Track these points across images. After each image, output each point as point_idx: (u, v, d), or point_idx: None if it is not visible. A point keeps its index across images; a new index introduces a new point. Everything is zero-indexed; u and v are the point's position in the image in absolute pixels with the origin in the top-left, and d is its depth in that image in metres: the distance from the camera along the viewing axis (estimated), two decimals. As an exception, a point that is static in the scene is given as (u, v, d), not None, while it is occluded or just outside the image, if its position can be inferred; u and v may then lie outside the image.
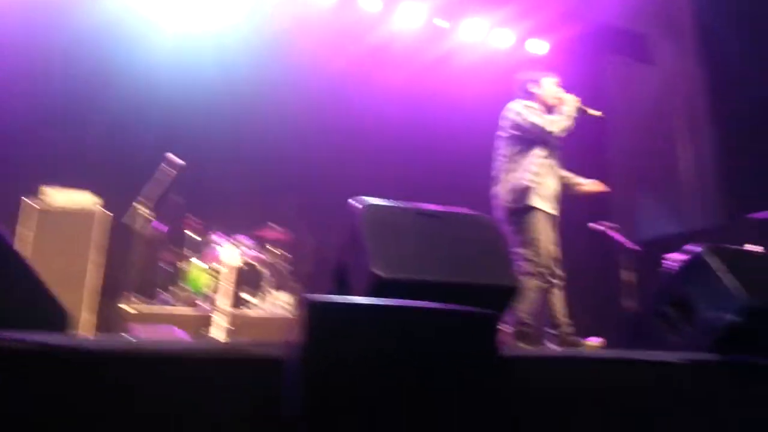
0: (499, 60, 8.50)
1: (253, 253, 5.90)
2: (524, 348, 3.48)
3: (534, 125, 4.30)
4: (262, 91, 6.99)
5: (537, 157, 4.30)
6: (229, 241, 5.76)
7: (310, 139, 7.09)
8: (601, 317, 5.74)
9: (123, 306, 4.78)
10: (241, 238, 5.92)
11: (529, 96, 4.49)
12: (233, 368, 1.77)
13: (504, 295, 2.38)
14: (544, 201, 4.22)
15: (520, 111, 4.38)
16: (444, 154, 7.61)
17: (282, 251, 6.34)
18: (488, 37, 8.57)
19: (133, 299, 5.06)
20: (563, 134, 4.28)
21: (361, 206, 2.19)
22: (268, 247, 6.21)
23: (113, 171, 5.92)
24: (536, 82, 4.51)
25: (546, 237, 4.16)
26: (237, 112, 6.83)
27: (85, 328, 4.67)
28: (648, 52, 8.81)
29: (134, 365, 1.66)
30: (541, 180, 4.25)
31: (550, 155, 4.35)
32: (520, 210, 4.20)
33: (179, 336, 4.33)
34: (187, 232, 5.99)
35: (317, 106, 7.21)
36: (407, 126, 7.54)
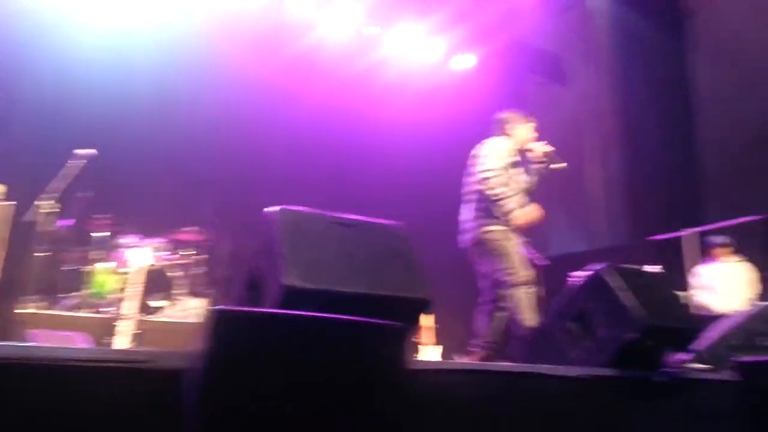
0: (426, 74, 8.66)
1: (165, 255, 5.72)
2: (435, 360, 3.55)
3: (479, 174, 4.49)
4: (184, 90, 6.83)
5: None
6: (139, 243, 5.56)
7: (230, 143, 6.98)
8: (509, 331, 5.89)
9: (21, 309, 4.51)
10: (153, 240, 5.74)
11: (504, 135, 4.66)
12: (132, 378, 1.71)
13: (416, 307, 2.39)
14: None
15: (484, 150, 4.57)
16: (364, 165, 7.67)
17: (197, 254, 6.18)
18: (415, 50, 8.68)
19: (33, 302, 4.79)
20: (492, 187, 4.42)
21: (275, 211, 2.16)
22: (181, 250, 6.04)
23: (19, 164, 5.63)
24: (513, 127, 4.67)
25: (515, 249, 4.37)
26: (156, 112, 6.64)
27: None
28: (563, 73, 9.18)
29: (27, 372, 1.58)
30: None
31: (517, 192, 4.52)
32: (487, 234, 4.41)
33: (82, 343, 4.13)
34: (94, 233, 5.75)
35: (239, 110, 7.11)
36: (329, 136, 7.55)
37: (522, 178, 4.61)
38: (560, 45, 9.63)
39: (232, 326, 1.44)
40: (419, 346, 6.17)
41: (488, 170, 4.42)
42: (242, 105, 7.11)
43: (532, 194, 4.71)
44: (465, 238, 4.56)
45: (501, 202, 4.37)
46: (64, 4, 6.62)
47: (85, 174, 5.19)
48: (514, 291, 4.24)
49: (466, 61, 9.07)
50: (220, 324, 1.43)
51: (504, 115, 4.78)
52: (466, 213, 4.58)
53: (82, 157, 5.00)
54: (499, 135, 4.69)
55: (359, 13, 8.13)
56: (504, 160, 4.48)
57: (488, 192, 4.41)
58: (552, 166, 4.62)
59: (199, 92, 6.87)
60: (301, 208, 2.24)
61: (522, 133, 4.68)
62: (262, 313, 1.64)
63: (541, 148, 4.65)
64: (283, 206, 2.20)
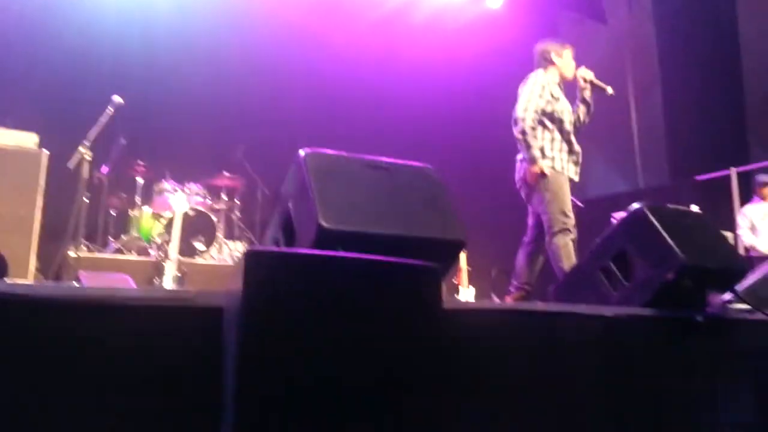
0: (457, 12, 8.45)
1: (205, 200, 5.82)
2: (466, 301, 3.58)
3: (519, 106, 4.40)
4: (218, 39, 6.84)
5: (548, 132, 4.41)
6: (180, 188, 5.66)
7: (260, 88, 6.98)
8: (546, 271, 5.89)
9: (71, 253, 4.66)
10: (193, 185, 5.83)
11: (548, 65, 4.56)
12: (175, 316, 1.77)
13: (451, 248, 2.39)
14: (564, 166, 4.40)
15: (527, 85, 4.46)
16: (399, 109, 7.60)
17: (235, 199, 6.28)
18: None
19: (81, 246, 4.95)
20: (523, 131, 4.33)
21: (306, 155, 2.15)
22: (218, 195, 6.13)
23: (58, 114, 5.73)
24: (558, 52, 4.57)
25: (557, 193, 4.31)
26: (191, 60, 6.67)
27: (33, 275, 4.56)
28: (601, 10, 8.86)
29: (74, 312, 1.64)
30: (553, 155, 4.38)
31: (560, 134, 4.43)
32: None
33: (130, 285, 4.26)
34: (137, 178, 5.88)
35: (268, 53, 7.09)
36: (359, 77, 7.48)
37: (566, 110, 4.48)
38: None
39: (268, 267, 1.45)
40: (459, 288, 6.23)
41: (519, 112, 4.35)
42: (271, 49, 7.07)
43: (582, 124, 4.61)
44: (516, 177, 4.52)
45: (526, 147, 4.31)
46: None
47: (119, 122, 5.25)
48: (552, 237, 4.22)
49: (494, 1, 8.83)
50: (256, 265, 1.44)
51: (541, 45, 4.68)
52: (521, 151, 4.51)
53: (115, 102, 5.05)
54: (540, 67, 4.58)
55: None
56: (540, 99, 4.36)
57: (517, 135, 4.35)
58: (602, 87, 4.50)
59: (228, 37, 6.86)
60: (331, 150, 2.23)
61: (563, 61, 4.57)
62: (297, 253, 1.65)
63: (583, 72, 4.55)
64: (313, 149, 2.18)
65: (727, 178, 7.87)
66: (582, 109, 4.57)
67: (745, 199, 7.35)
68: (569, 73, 4.55)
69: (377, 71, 7.59)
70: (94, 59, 6.23)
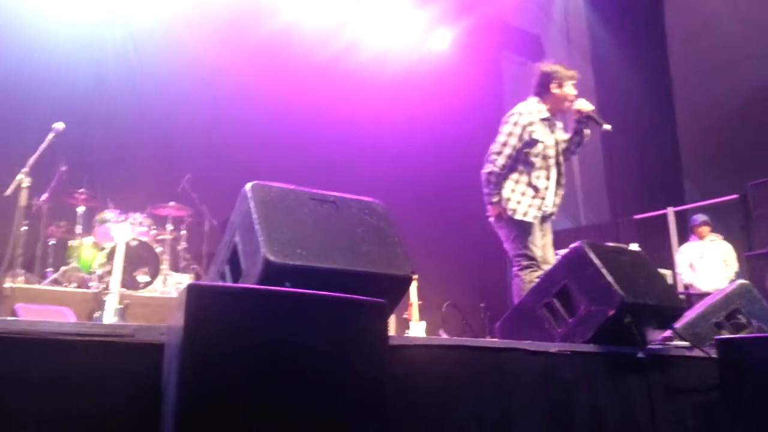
0: (401, 55, 8.61)
1: (149, 231, 5.70)
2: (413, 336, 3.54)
3: (493, 147, 4.23)
4: (166, 67, 6.79)
5: (516, 174, 4.21)
6: (123, 218, 5.53)
7: (211, 117, 6.94)
8: (498, 309, 5.96)
9: (8, 284, 4.48)
10: (137, 215, 5.71)
11: (546, 94, 4.30)
12: (114, 352, 1.73)
13: (398, 283, 2.39)
14: (533, 211, 4.20)
15: (506, 124, 4.24)
16: (348, 144, 7.67)
17: (181, 230, 6.17)
18: (389, 30, 8.61)
19: (18, 276, 4.75)
20: (490, 171, 4.18)
21: (253, 187, 2.14)
22: (162, 225, 6.02)
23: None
24: (560, 84, 4.29)
25: (532, 236, 4.16)
26: (138, 87, 6.60)
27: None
28: (541, 52, 9.16)
29: (6, 346, 1.58)
30: (530, 195, 4.20)
31: (542, 169, 4.24)
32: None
33: (67, 317, 4.11)
34: (78, 208, 5.71)
35: (221, 87, 7.08)
36: (310, 116, 7.53)
37: (549, 147, 4.25)
38: (539, 25, 9.63)
39: (210, 302, 1.43)
40: (409, 323, 6.22)
41: (493, 154, 4.18)
42: (220, 79, 7.06)
43: (571, 154, 4.43)
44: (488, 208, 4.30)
45: (487, 187, 4.19)
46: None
47: (58, 150, 5.13)
48: (518, 270, 4.13)
49: (443, 40, 9.04)
50: (198, 300, 1.42)
51: (546, 68, 4.35)
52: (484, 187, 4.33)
53: (55, 131, 4.94)
54: (536, 94, 4.33)
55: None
56: (518, 142, 4.16)
57: (483, 172, 4.21)
58: (599, 122, 4.21)
59: (177, 65, 6.81)
60: (275, 183, 2.22)
61: (562, 92, 4.29)
62: (239, 288, 1.63)
63: (581, 105, 4.26)
64: (258, 182, 2.17)
65: (664, 217, 8.15)
66: (575, 140, 4.37)
67: (682, 238, 7.61)
68: (566, 106, 4.29)
69: (326, 109, 7.64)
70: (37, 84, 6.08)
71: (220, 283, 1.70)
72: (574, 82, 4.36)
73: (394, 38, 8.64)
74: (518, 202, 4.17)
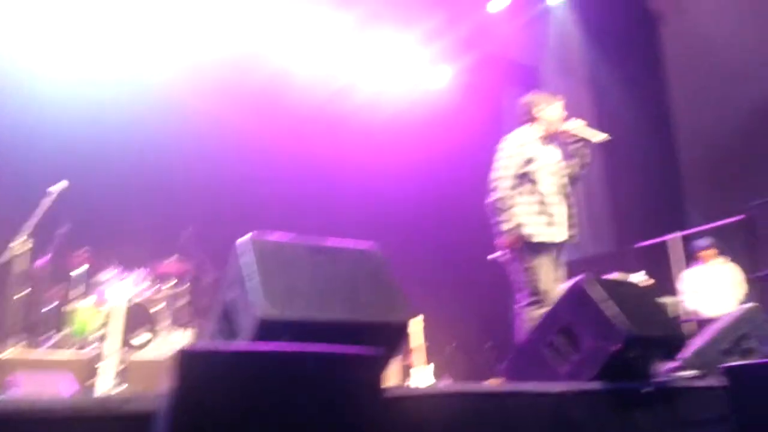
0: (400, 94, 8.67)
1: (147, 289, 5.66)
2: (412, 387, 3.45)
3: (492, 174, 4.20)
4: (166, 123, 6.86)
5: (526, 196, 4.16)
6: (118, 277, 5.50)
7: (211, 169, 6.98)
8: (505, 347, 5.88)
9: (2, 353, 4.42)
10: (136, 273, 5.69)
11: (532, 120, 4.32)
12: (102, 427, 1.69)
13: (396, 330, 2.36)
14: (545, 232, 4.12)
15: (500, 150, 4.24)
16: (348, 189, 7.68)
17: (179, 286, 6.13)
18: (388, 70, 8.68)
19: (14, 344, 4.71)
20: (496, 199, 4.12)
21: (246, 241, 2.13)
22: (163, 282, 5.98)
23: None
24: (542, 107, 4.32)
25: (545, 267, 4.08)
26: (137, 144, 6.65)
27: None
28: (540, 85, 9.23)
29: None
30: (538, 214, 4.13)
31: (546, 187, 4.18)
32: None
33: (66, 384, 4.06)
34: (73, 269, 5.69)
35: (218, 139, 7.12)
36: (306, 163, 7.57)
37: (549, 168, 4.23)
38: (535, 57, 9.73)
39: (198, 365, 1.40)
40: (410, 369, 6.13)
41: (494, 181, 4.14)
42: (215, 136, 7.12)
43: (577, 177, 4.37)
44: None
45: (497, 216, 4.11)
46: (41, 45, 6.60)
47: (59, 209, 5.15)
48: (524, 306, 4.04)
49: (441, 79, 9.10)
50: (186, 364, 1.39)
51: (527, 98, 4.42)
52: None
53: (54, 193, 4.96)
54: (525, 122, 4.34)
55: (325, 40, 8.10)
56: (514, 163, 4.15)
57: (489, 202, 4.14)
58: (594, 139, 4.19)
59: (176, 121, 6.88)
60: (270, 236, 2.21)
61: (551, 113, 4.30)
62: (229, 349, 1.60)
63: (575, 124, 4.27)
64: (253, 234, 2.16)
65: (668, 243, 8.10)
66: (575, 162, 4.34)
67: (688, 263, 7.55)
68: (555, 127, 4.29)
69: (324, 156, 7.68)
70: (35, 144, 6.15)
71: (209, 346, 1.67)
72: (561, 104, 4.38)
73: (391, 79, 8.71)
74: (535, 224, 4.09)
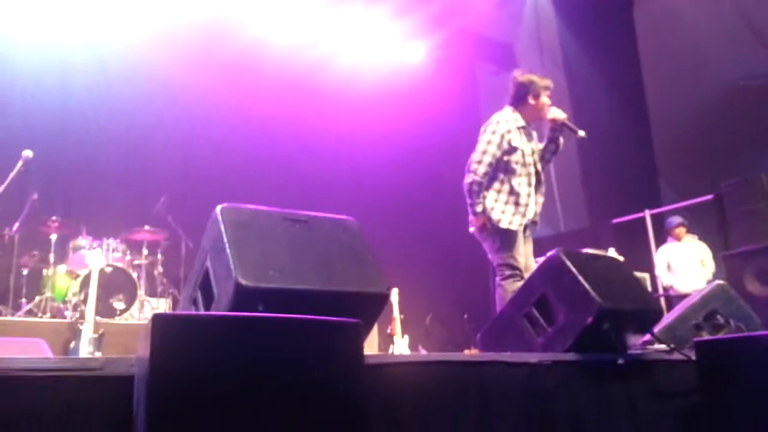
0: (375, 67, 8.62)
1: (124, 256, 5.62)
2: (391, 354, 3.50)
3: (473, 156, 4.23)
4: (138, 91, 6.73)
5: (498, 183, 4.22)
6: (97, 244, 5.45)
7: (186, 137, 6.90)
8: (482, 319, 5.94)
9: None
10: (112, 240, 5.63)
11: (522, 105, 4.33)
12: (84, 387, 1.69)
13: (374, 300, 2.37)
14: (517, 218, 4.19)
15: (485, 134, 4.25)
16: (324, 162, 7.65)
17: (158, 254, 6.09)
18: (363, 42, 8.62)
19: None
20: (472, 182, 4.16)
21: (223, 210, 2.11)
22: (137, 250, 5.94)
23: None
24: (536, 95, 4.31)
25: (516, 244, 4.15)
26: (108, 111, 6.53)
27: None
28: (514, 61, 9.24)
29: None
30: (512, 203, 4.20)
31: (522, 176, 4.24)
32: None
33: (44, 350, 4.02)
34: (51, 236, 5.62)
35: (193, 106, 7.02)
36: (285, 135, 7.52)
37: (526, 154, 4.26)
38: (509, 35, 9.72)
39: (173, 332, 1.39)
40: (393, 337, 6.18)
41: (473, 164, 4.18)
42: (190, 103, 7.01)
43: (547, 163, 4.44)
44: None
45: (469, 198, 4.18)
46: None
47: (27, 178, 5.06)
48: (501, 279, 4.12)
49: (417, 53, 9.06)
50: (163, 330, 1.38)
51: (521, 78, 4.38)
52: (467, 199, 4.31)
53: (24, 159, 4.88)
54: (511, 104, 4.35)
55: (302, 11, 8.02)
56: (497, 150, 4.17)
57: (465, 183, 4.20)
58: (574, 130, 4.24)
59: (148, 88, 6.76)
60: (246, 205, 2.19)
61: (538, 103, 4.32)
62: (205, 317, 1.59)
63: (555, 114, 4.29)
64: (229, 204, 2.14)
65: (642, 220, 8.22)
66: (550, 149, 4.41)
67: (660, 240, 7.67)
68: (542, 115, 4.33)
69: (300, 126, 7.63)
70: (4, 112, 6.00)
71: (186, 312, 1.66)
72: (549, 92, 4.40)
73: (367, 52, 8.65)
74: (502, 212, 4.18)
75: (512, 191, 4.20)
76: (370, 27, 8.50)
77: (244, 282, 1.92)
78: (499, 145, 4.18)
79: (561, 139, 4.44)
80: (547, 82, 4.42)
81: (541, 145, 4.43)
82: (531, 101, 4.32)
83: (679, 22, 8.67)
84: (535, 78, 4.41)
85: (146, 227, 6.01)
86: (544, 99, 4.36)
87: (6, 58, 6.24)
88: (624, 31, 9.30)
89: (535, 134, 4.47)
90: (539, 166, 4.37)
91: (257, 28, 7.67)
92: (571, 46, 9.23)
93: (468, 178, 4.20)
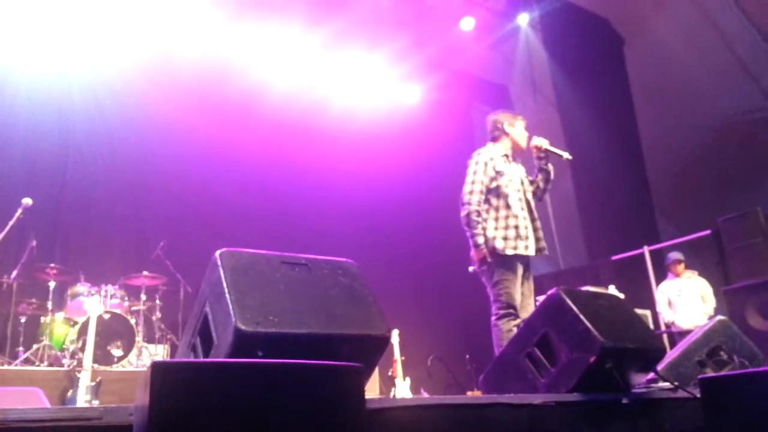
0: (371, 111, 8.72)
1: (122, 302, 5.59)
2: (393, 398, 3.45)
3: (464, 188, 4.28)
4: (135, 137, 6.79)
5: (494, 211, 4.24)
6: (95, 290, 5.43)
7: (184, 181, 6.92)
8: (484, 359, 5.88)
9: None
10: (110, 287, 5.61)
11: (501, 135, 4.43)
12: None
13: (375, 343, 2.35)
14: (513, 244, 4.18)
15: (470, 165, 4.33)
16: (322, 206, 7.67)
17: (156, 299, 6.06)
18: (359, 86, 8.73)
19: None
20: (468, 214, 4.20)
21: (222, 254, 2.10)
22: (136, 296, 5.91)
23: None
24: (510, 123, 4.45)
25: (514, 281, 4.13)
26: (106, 157, 6.57)
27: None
28: (509, 102, 9.36)
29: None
30: (507, 228, 4.20)
31: (514, 201, 4.27)
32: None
33: (41, 399, 3.97)
34: (49, 283, 5.60)
35: (192, 150, 7.07)
36: (283, 180, 7.56)
37: (516, 181, 4.33)
38: (503, 76, 9.88)
39: (173, 379, 1.38)
40: (395, 380, 6.11)
41: (464, 196, 4.23)
42: (189, 147, 7.06)
43: (543, 192, 4.48)
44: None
45: (469, 231, 4.20)
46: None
47: (26, 225, 5.07)
48: (496, 319, 4.10)
49: (412, 95, 9.19)
50: (163, 378, 1.37)
51: (493, 116, 4.56)
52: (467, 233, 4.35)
53: (23, 207, 4.90)
54: (491, 140, 4.48)
55: (300, 55, 8.14)
56: (484, 177, 4.25)
57: (462, 218, 4.22)
58: (559, 154, 4.31)
59: (146, 135, 6.82)
60: (246, 249, 2.19)
61: (516, 131, 4.45)
62: (205, 363, 1.58)
63: (537, 142, 4.40)
64: (228, 249, 2.14)
65: (642, 256, 8.21)
66: (540, 178, 4.45)
67: (660, 276, 7.65)
68: (522, 143, 4.44)
69: (298, 168, 7.67)
70: (3, 157, 6.04)
71: (185, 360, 1.65)
72: (523, 123, 4.52)
73: (364, 94, 8.77)
74: (504, 238, 4.17)
75: (509, 216, 4.22)
76: (367, 70, 8.63)
77: (243, 327, 1.90)
78: (485, 172, 4.26)
79: (550, 167, 4.48)
80: (520, 116, 4.57)
81: (530, 178, 4.49)
82: (508, 129, 4.44)
83: (670, 59, 8.80)
84: (504, 113, 4.58)
85: (144, 272, 5.99)
86: (520, 128, 4.48)
87: (5, 105, 6.29)
88: (616, 70, 9.44)
89: (522, 166, 4.53)
90: (529, 196, 4.41)
91: (255, 71, 7.78)
92: (565, 86, 9.36)
93: (464, 211, 4.23)
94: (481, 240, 4.16)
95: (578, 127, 8.99)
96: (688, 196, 8.77)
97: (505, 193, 4.25)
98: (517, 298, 4.14)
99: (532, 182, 4.47)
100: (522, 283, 4.24)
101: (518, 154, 4.50)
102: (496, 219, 4.22)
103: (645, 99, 9.25)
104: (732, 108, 8.35)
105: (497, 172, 4.28)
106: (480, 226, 4.18)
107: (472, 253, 4.23)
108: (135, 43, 7.04)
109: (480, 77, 9.87)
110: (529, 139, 4.46)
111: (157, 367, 1.38)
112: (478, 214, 4.19)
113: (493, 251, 4.15)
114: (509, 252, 4.15)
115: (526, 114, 4.63)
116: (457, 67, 9.16)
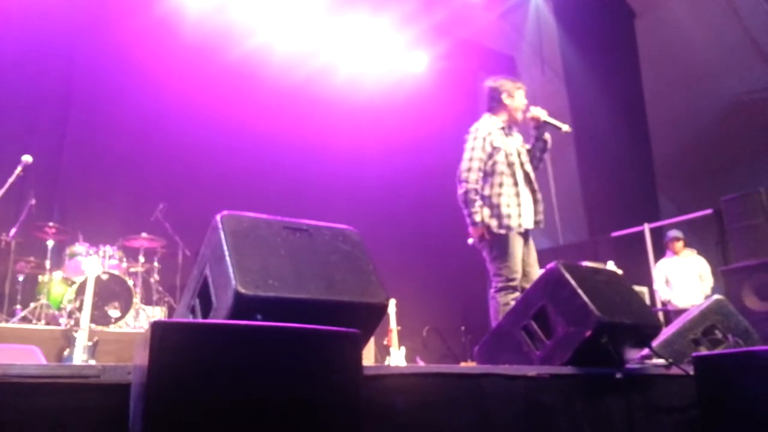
0: (378, 77, 8.63)
1: (120, 263, 5.59)
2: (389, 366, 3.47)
3: (461, 166, 4.22)
4: (138, 96, 6.72)
5: (494, 186, 4.20)
6: (94, 251, 5.43)
7: (186, 145, 6.88)
8: (479, 331, 5.93)
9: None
10: (108, 247, 5.61)
11: (499, 107, 4.35)
12: (79, 394, 1.68)
13: (373, 311, 2.35)
14: (512, 221, 4.15)
15: (468, 142, 4.26)
16: (326, 172, 7.64)
17: (154, 262, 6.07)
18: (366, 52, 8.62)
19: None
20: (465, 191, 4.15)
21: (223, 217, 2.09)
22: (134, 258, 5.91)
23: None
24: (510, 93, 4.35)
25: (514, 255, 4.11)
26: (106, 117, 6.52)
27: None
28: (515, 72, 9.26)
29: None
30: (505, 204, 4.17)
31: (510, 176, 4.22)
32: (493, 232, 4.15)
33: (38, 357, 4.00)
34: (48, 242, 5.60)
35: (194, 114, 7.01)
36: (286, 144, 7.50)
37: (514, 154, 4.27)
38: (512, 46, 9.76)
39: (172, 339, 1.38)
40: (390, 349, 6.15)
41: (462, 173, 4.19)
42: (191, 111, 7.00)
43: (540, 161, 4.42)
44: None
45: (466, 208, 4.17)
46: None
47: (25, 184, 5.05)
48: (495, 291, 4.09)
49: (419, 63, 9.08)
50: (162, 338, 1.37)
51: (492, 83, 4.44)
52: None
53: (23, 164, 4.87)
54: (488, 110, 4.40)
55: (306, 19, 8.03)
56: (482, 153, 4.18)
57: (459, 194, 4.19)
58: (557, 125, 4.24)
59: (148, 93, 6.75)
60: (247, 213, 2.18)
61: (515, 102, 4.35)
62: (202, 324, 1.58)
63: (535, 112, 4.31)
64: (229, 212, 2.13)
65: (641, 233, 8.21)
66: (538, 147, 4.40)
67: (659, 254, 7.67)
68: (520, 115, 4.35)
69: (302, 135, 7.63)
70: (2, 116, 5.99)
71: (185, 320, 1.65)
72: (523, 91, 4.43)
73: (370, 61, 8.67)
74: (498, 215, 4.14)
75: (508, 192, 4.19)
76: (373, 36, 8.51)
77: (243, 290, 1.90)
78: (483, 149, 4.20)
79: (547, 136, 4.43)
80: (520, 83, 4.46)
81: (527, 146, 4.43)
82: (506, 100, 4.35)
83: (680, 35, 8.70)
84: (505, 80, 4.46)
85: (143, 234, 5.99)
86: (520, 97, 4.38)
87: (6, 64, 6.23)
88: (625, 44, 9.33)
89: (519, 135, 4.48)
90: (528, 167, 4.36)
91: (259, 36, 7.68)
92: (573, 58, 9.27)
93: (461, 189, 4.20)
94: (478, 218, 4.14)
95: (585, 100, 8.92)
96: (691, 174, 8.74)
97: (503, 170, 4.21)
98: (518, 271, 4.13)
99: (529, 151, 4.42)
100: (524, 254, 4.22)
101: (516, 123, 4.43)
102: (495, 195, 4.19)
103: (653, 74, 9.16)
104: (740, 86, 8.28)
105: (494, 148, 4.22)
106: (477, 204, 4.15)
107: (470, 229, 4.23)
108: (138, 1, 6.94)
109: (487, 47, 9.74)
110: (527, 109, 4.37)
111: (157, 327, 1.38)
112: (476, 192, 4.17)
113: (490, 228, 4.14)
114: (506, 229, 4.13)
115: (533, 86, 4.54)
116: (465, 35, 9.04)
